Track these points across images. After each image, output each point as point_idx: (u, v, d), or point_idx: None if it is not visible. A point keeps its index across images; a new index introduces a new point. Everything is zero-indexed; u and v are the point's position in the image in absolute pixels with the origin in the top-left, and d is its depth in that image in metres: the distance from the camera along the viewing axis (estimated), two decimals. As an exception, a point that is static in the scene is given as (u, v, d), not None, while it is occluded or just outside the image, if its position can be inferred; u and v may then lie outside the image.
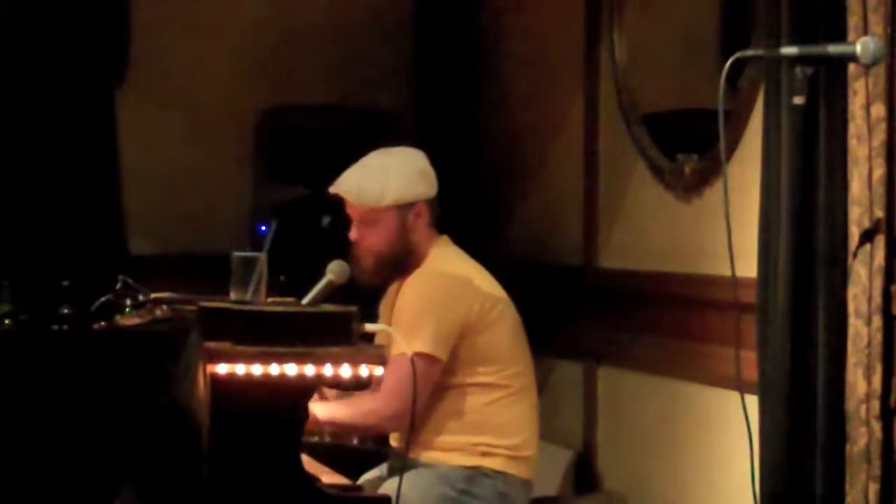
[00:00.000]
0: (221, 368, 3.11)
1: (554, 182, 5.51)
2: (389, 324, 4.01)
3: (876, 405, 3.45)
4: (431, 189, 4.03)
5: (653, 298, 4.76)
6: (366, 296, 3.79)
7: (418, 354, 3.80)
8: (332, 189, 3.99)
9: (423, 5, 6.07)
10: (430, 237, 4.03)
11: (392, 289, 4.13)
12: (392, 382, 3.74)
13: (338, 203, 4.04)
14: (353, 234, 4.02)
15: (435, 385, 3.88)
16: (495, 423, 3.94)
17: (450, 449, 3.94)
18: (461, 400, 3.94)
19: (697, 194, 4.55)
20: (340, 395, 4.03)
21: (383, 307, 4.15)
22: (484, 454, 3.93)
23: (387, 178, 3.96)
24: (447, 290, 3.94)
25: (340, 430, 3.98)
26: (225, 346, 3.12)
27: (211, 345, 3.11)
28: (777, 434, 3.60)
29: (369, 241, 3.99)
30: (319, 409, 3.84)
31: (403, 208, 3.98)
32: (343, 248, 3.95)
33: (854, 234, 3.48)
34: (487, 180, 5.82)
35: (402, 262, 4.01)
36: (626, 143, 4.93)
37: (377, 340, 3.79)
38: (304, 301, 3.59)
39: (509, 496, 3.95)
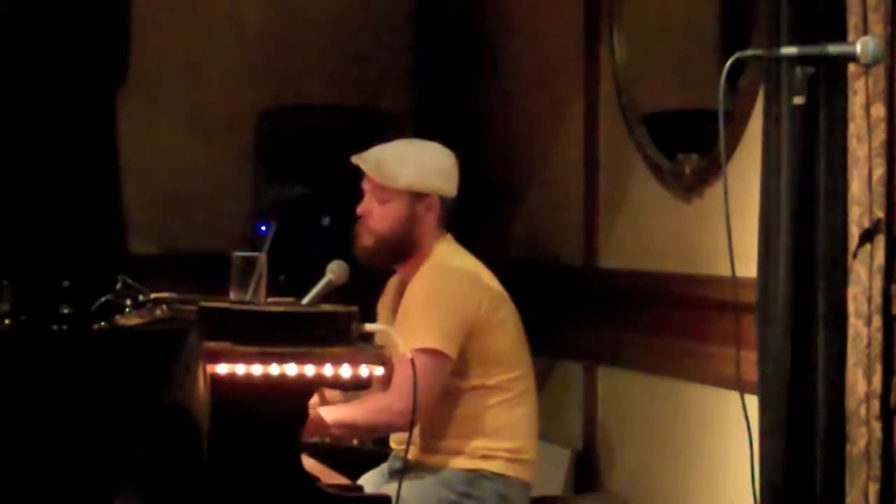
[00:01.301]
0: (221, 368, 3.11)
1: (554, 182, 5.51)
2: (388, 321, 4.01)
3: (876, 405, 3.45)
4: (449, 188, 4.02)
5: (653, 298, 4.76)
6: (366, 296, 3.79)
7: (427, 350, 3.79)
8: (355, 158, 3.99)
9: (423, 5, 6.07)
10: (435, 234, 4.02)
11: (391, 285, 4.13)
12: (403, 378, 3.72)
13: (338, 203, 4.03)
14: (361, 207, 4.01)
15: (445, 383, 3.88)
16: (494, 427, 3.93)
17: (449, 452, 3.93)
18: (462, 403, 3.93)
19: (697, 194, 4.55)
20: (345, 396, 4.02)
21: (382, 304, 4.15)
22: (483, 457, 3.92)
23: (408, 161, 3.97)
24: (456, 286, 3.92)
25: (350, 431, 3.93)
26: (225, 346, 3.12)
27: (211, 345, 3.11)
28: (777, 434, 3.59)
29: (375, 219, 3.98)
30: (327, 413, 3.83)
31: (416, 196, 3.97)
32: (343, 248, 3.94)
33: (854, 234, 3.48)
34: (487, 180, 5.82)
35: (400, 249, 3.99)
36: (626, 143, 4.93)
37: (377, 339, 3.78)
38: (304, 301, 3.59)
39: (510, 498, 3.94)
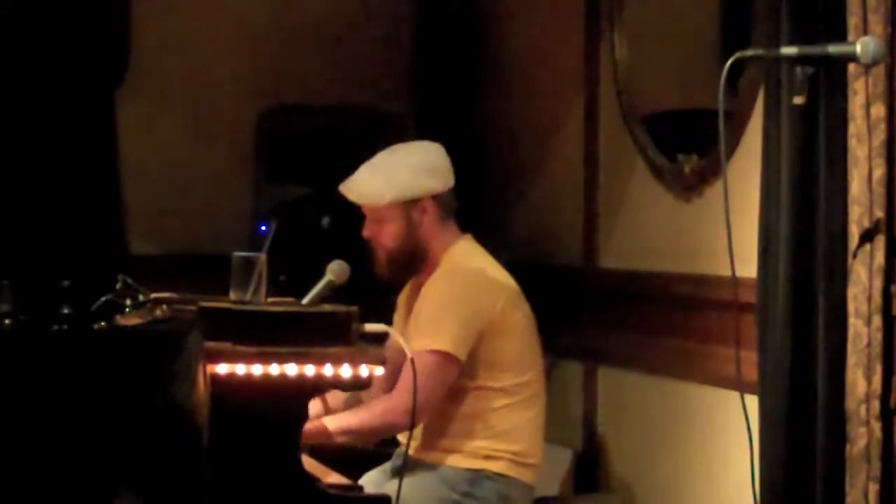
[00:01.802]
0: (221, 368, 3.11)
1: (554, 182, 5.51)
2: (407, 317, 4.01)
3: (876, 405, 3.45)
4: (440, 184, 4.00)
5: (653, 298, 4.76)
6: (366, 296, 3.78)
7: (437, 352, 3.80)
8: (341, 188, 3.99)
9: (423, 5, 6.07)
10: (444, 233, 4.01)
11: (411, 282, 4.12)
12: (407, 378, 3.71)
13: (338, 203, 4.03)
14: (365, 231, 4.02)
15: (450, 385, 3.87)
16: (500, 429, 3.92)
17: (452, 451, 3.93)
18: (469, 403, 3.92)
19: (697, 194, 4.55)
20: (347, 401, 4.02)
21: (401, 300, 4.14)
22: (486, 457, 3.91)
23: (387, 176, 3.95)
24: (470, 287, 3.92)
25: (354, 437, 3.90)
26: (225, 346, 3.13)
27: (211, 345, 3.11)
28: (777, 434, 3.59)
29: (379, 238, 3.99)
30: (330, 423, 3.82)
31: (407, 205, 3.96)
32: (343, 248, 3.94)
33: (854, 234, 3.48)
34: (487, 180, 5.82)
35: (413, 258, 3.99)
36: (626, 143, 4.93)
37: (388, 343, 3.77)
38: (304, 301, 3.59)
39: (511, 499, 3.93)
